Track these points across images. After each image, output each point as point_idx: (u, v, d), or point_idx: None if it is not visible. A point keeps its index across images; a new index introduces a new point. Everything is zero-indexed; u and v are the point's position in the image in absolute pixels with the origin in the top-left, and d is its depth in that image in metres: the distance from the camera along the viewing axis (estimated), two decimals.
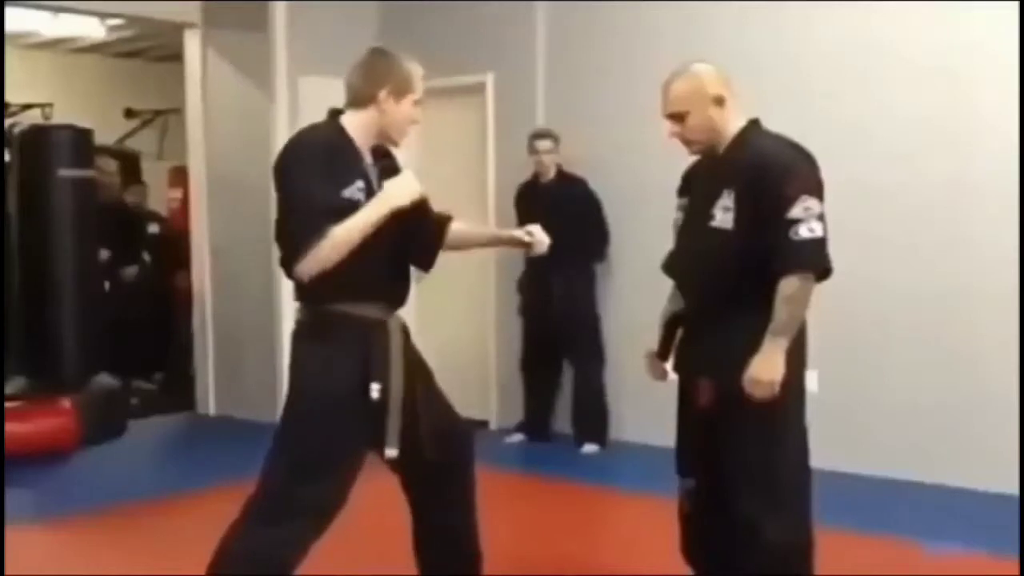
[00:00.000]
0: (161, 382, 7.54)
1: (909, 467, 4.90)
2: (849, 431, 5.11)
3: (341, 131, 2.87)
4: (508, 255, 6.09)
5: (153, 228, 7.71)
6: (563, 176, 5.79)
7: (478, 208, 6.41)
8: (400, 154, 7.31)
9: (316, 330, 2.82)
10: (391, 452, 2.77)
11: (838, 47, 5.16)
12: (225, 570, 2.79)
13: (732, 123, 3.00)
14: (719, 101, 2.98)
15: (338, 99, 7.88)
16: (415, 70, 2.96)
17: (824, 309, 5.17)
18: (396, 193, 2.82)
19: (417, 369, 2.93)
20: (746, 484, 2.85)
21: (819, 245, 2.81)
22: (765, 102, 5.44)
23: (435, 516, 2.98)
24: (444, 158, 6.79)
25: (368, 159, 2.90)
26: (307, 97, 6.65)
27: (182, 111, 7.46)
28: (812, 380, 5.19)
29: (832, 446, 5.12)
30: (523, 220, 5.90)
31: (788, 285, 2.79)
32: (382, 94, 2.86)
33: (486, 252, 6.26)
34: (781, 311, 2.80)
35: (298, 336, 2.89)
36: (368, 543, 3.65)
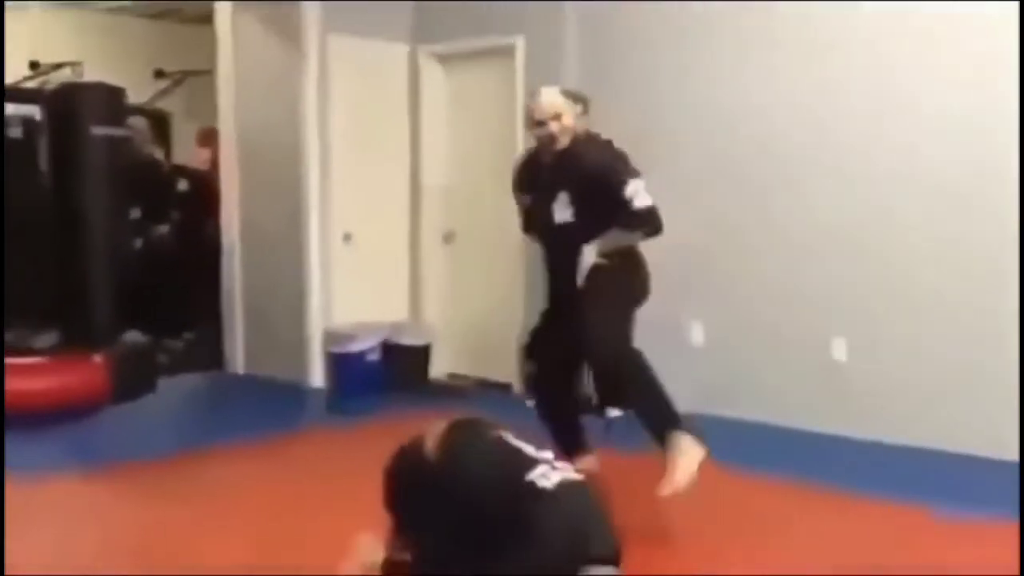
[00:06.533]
0: (190, 341, 7.61)
1: (921, 433, 4.91)
2: (864, 398, 5.13)
3: None
4: None
5: (182, 185, 7.73)
6: (590, 139, 5.75)
7: (506, 172, 6.39)
8: (427, 118, 7.29)
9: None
10: None
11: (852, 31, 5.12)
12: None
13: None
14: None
15: (367, 58, 7.89)
16: None
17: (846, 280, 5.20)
18: None
19: None
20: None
21: None
22: (778, 76, 5.45)
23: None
24: (473, 121, 6.78)
25: None
26: (337, 56, 6.66)
27: (212, 72, 7.48)
28: (840, 347, 5.26)
29: (849, 413, 5.17)
30: None
31: None
32: None
33: (513, 221, 6.29)
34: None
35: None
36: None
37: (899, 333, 5.06)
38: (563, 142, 3.98)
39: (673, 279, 5.82)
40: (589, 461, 4.05)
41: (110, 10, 9.77)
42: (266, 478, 4.56)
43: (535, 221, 4.16)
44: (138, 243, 7.14)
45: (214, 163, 7.46)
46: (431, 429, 2.73)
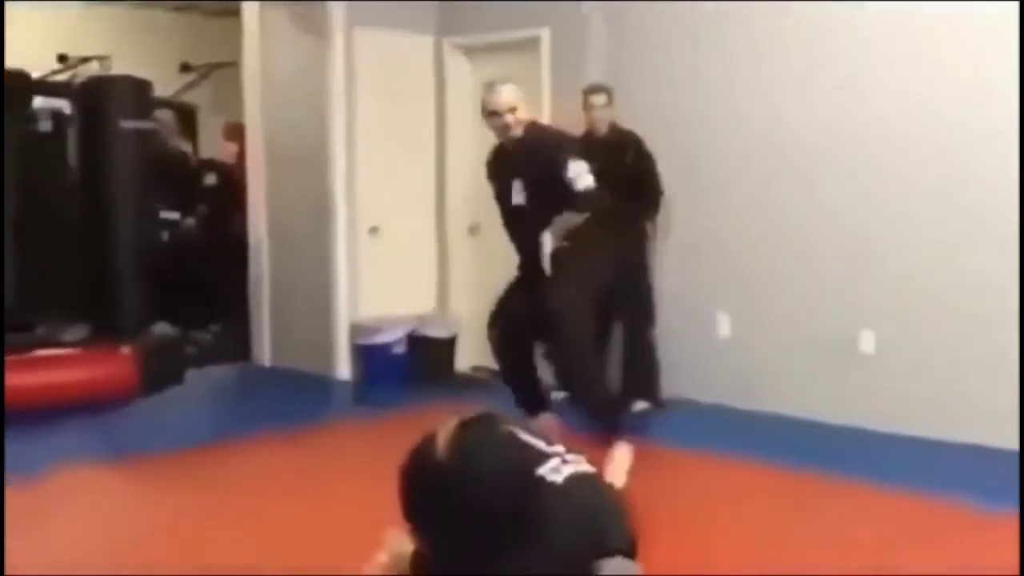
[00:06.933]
0: (217, 333, 7.66)
1: (950, 427, 4.88)
2: (892, 391, 5.10)
3: None
4: None
5: (210, 179, 7.78)
6: (617, 131, 5.73)
7: None
8: (453, 111, 7.27)
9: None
10: None
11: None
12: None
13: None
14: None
15: (393, 51, 7.87)
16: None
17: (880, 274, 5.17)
18: None
19: None
20: None
21: None
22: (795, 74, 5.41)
23: None
24: None
25: None
26: (362, 49, 6.66)
27: (238, 65, 7.50)
28: (868, 340, 5.23)
29: (878, 406, 5.14)
30: None
31: None
32: None
33: None
34: None
35: None
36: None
37: (928, 326, 5.02)
38: (516, 132, 4.28)
39: (700, 272, 5.82)
40: (546, 419, 4.39)
41: (136, 4, 9.82)
42: (293, 470, 4.59)
43: (500, 206, 4.52)
44: (165, 236, 7.18)
45: (241, 157, 7.49)
46: (442, 428, 2.72)
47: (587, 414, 4.36)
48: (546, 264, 4.16)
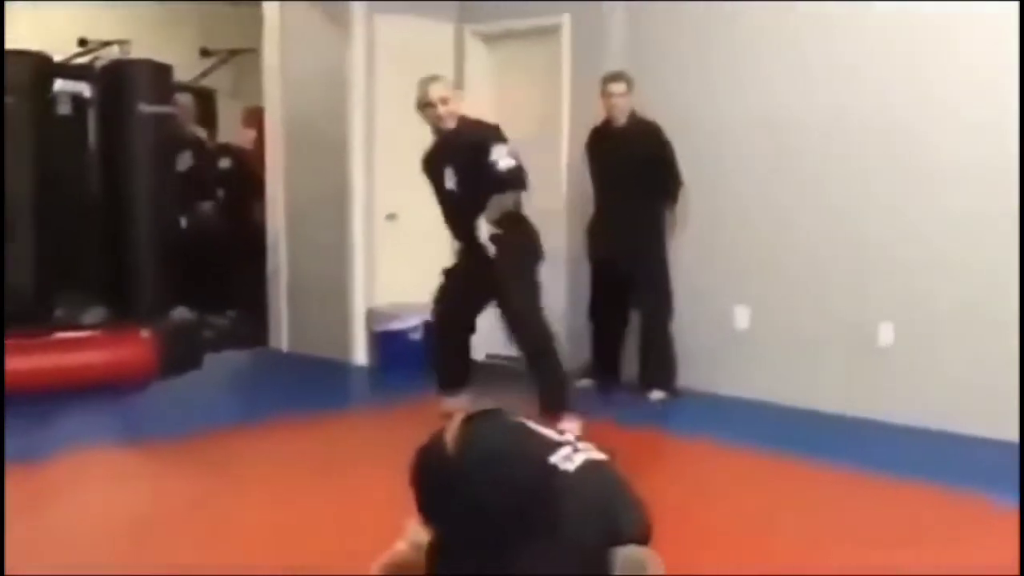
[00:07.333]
0: (235, 318, 7.70)
1: (966, 420, 4.86)
2: (910, 384, 5.08)
3: None
4: (579, 201, 6.07)
5: (224, 163, 7.79)
6: (636, 120, 5.72)
7: (551, 152, 6.38)
8: (477, 96, 7.30)
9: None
10: None
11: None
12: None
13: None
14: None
15: (413, 38, 7.85)
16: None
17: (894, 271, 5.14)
18: None
19: None
20: None
21: None
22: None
23: None
24: (518, 101, 6.75)
25: None
26: (382, 36, 6.65)
27: (258, 51, 7.51)
28: (887, 332, 5.20)
29: (895, 399, 5.11)
30: (595, 164, 5.88)
31: None
32: None
33: (558, 200, 6.26)
34: None
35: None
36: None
37: (947, 319, 5.00)
38: (449, 124, 4.66)
39: (718, 263, 5.80)
40: (464, 400, 4.68)
41: None
42: (309, 455, 4.59)
43: (437, 196, 4.86)
44: (183, 222, 7.20)
45: (259, 142, 7.50)
46: (449, 424, 2.72)
47: (540, 384, 4.64)
48: (489, 248, 4.53)
